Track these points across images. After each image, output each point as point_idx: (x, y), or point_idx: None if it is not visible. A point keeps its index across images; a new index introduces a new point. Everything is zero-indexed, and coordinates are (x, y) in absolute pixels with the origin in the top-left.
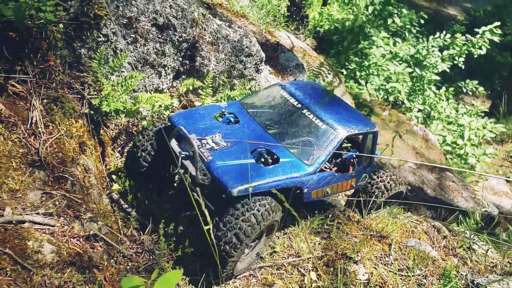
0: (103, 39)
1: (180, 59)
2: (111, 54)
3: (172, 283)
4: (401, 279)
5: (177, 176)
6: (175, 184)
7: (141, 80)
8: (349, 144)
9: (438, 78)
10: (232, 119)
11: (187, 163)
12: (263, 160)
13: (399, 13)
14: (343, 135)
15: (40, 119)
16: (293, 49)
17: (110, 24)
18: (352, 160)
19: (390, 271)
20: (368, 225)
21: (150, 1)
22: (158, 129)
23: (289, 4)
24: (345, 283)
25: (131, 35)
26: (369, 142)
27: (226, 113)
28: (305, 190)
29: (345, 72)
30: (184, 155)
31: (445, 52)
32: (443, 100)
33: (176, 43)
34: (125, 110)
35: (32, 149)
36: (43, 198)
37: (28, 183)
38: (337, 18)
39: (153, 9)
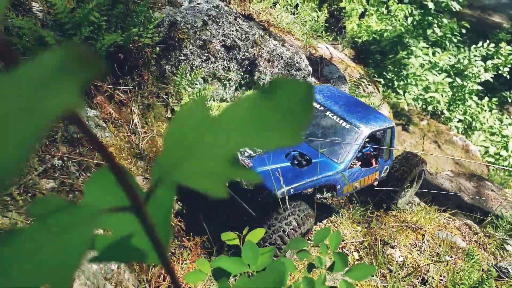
0: (183, 57)
1: (242, 73)
2: (188, 70)
3: (258, 236)
4: (432, 263)
5: None
6: None
7: (211, 91)
8: (367, 139)
9: (480, 88)
10: None
11: None
12: (296, 162)
13: (439, 23)
14: (367, 132)
15: (138, 121)
16: (331, 59)
17: (189, 46)
18: (372, 154)
19: (423, 256)
20: (404, 218)
21: (221, 26)
22: None
23: (327, 16)
24: (384, 262)
25: (205, 54)
26: (388, 137)
27: None
28: (338, 187)
29: (383, 82)
30: None
31: (488, 62)
32: (485, 111)
33: (239, 60)
34: None
35: (134, 144)
36: (144, 182)
37: (133, 170)
38: (375, 29)
39: (223, 33)
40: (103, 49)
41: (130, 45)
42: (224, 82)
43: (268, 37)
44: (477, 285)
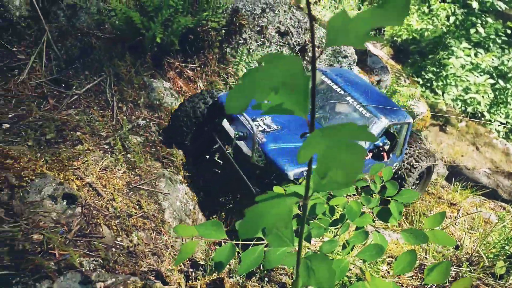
0: (242, 41)
1: None
2: (245, 53)
3: None
4: (466, 235)
5: (228, 154)
6: (221, 163)
7: None
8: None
9: None
10: None
11: (240, 143)
12: None
13: (483, 23)
14: (386, 124)
15: None
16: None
17: (248, 31)
18: (384, 147)
19: (457, 227)
20: (440, 195)
21: (276, 14)
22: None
23: None
24: (420, 227)
25: (261, 39)
26: (404, 132)
27: None
28: None
29: (421, 82)
30: (238, 135)
31: None
32: None
33: (291, 45)
34: None
35: None
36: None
37: None
38: (416, 28)
39: (278, 20)
40: (179, 30)
41: (198, 28)
42: None
43: (318, 26)
44: (506, 243)
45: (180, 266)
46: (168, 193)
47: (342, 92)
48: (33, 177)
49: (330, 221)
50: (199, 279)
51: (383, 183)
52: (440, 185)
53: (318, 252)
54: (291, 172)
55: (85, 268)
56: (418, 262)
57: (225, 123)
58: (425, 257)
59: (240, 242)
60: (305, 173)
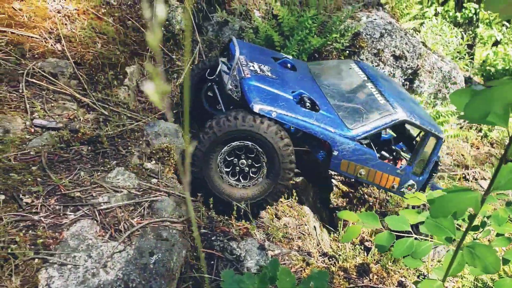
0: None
1: (403, 80)
2: None
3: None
4: None
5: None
6: (210, 94)
7: None
8: (394, 132)
9: None
10: (289, 65)
11: (225, 75)
12: (302, 102)
13: None
14: (401, 117)
15: None
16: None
17: (365, 53)
18: (402, 154)
19: None
20: None
21: (393, 39)
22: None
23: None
24: None
25: (376, 61)
26: (430, 146)
27: (287, 60)
28: (335, 153)
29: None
30: (224, 64)
31: None
32: None
33: (404, 69)
34: None
35: None
36: None
37: None
38: None
39: (394, 44)
40: (310, 49)
41: (323, 48)
42: None
43: (430, 52)
44: None
45: (321, 249)
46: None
47: (365, 78)
48: None
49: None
50: (347, 261)
51: None
52: None
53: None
54: (257, 106)
55: (257, 238)
56: None
57: (222, 60)
58: None
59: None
60: (274, 115)
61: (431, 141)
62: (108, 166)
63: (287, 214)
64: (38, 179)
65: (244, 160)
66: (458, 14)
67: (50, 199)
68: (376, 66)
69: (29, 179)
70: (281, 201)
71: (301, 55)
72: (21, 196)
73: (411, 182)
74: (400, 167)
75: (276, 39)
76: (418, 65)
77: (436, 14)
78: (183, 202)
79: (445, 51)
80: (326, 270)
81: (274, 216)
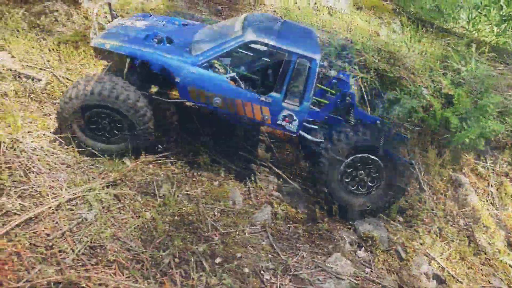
0: None
1: None
2: None
3: None
4: None
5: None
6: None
7: None
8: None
9: None
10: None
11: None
12: (157, 41)
13: None
14: (247, 38)
15: None
16: None
17: None
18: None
19: None
20: None
21: None
22: None
23: None
24: None
25: None
26: (301, 69)
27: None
28: (178, 79)
29: None
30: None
31: None
32: None
33: None
34: None
35: None
36: None
37: None
38: None
39: None
40: (491, 135)
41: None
42: None
43: None
44: None
45: None
46: None
47: (240, 23)
48: None
49: None
50: None
51: None
52: None
53: None
54: (93, 41)
55: None
56: None
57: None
58: None
59: None
60: (107, 46)
61: (303, 65)
62: (326, 249)
63: None
64: (269, 255)
65: None
66: None
67: (284, 278)
68: None
69: (263, 254)
70: None
71: (480, 139)
72: (262, 272)
73: (286, 112)
74: (266, 96)
75: (454, 123)
76: None
77: None
78: None
79: None
80: None
81: None
